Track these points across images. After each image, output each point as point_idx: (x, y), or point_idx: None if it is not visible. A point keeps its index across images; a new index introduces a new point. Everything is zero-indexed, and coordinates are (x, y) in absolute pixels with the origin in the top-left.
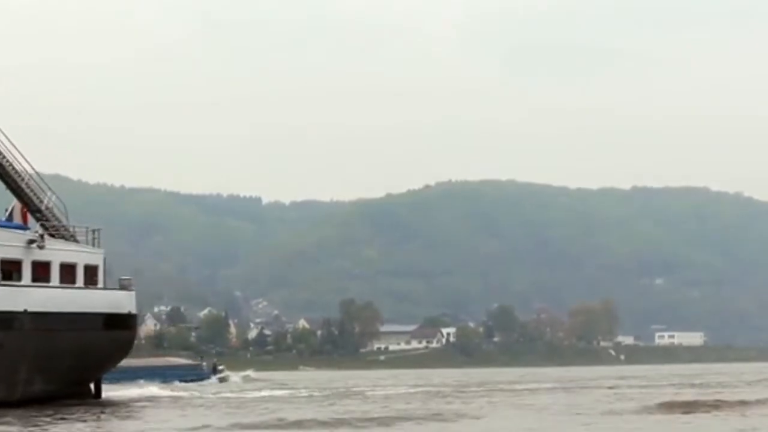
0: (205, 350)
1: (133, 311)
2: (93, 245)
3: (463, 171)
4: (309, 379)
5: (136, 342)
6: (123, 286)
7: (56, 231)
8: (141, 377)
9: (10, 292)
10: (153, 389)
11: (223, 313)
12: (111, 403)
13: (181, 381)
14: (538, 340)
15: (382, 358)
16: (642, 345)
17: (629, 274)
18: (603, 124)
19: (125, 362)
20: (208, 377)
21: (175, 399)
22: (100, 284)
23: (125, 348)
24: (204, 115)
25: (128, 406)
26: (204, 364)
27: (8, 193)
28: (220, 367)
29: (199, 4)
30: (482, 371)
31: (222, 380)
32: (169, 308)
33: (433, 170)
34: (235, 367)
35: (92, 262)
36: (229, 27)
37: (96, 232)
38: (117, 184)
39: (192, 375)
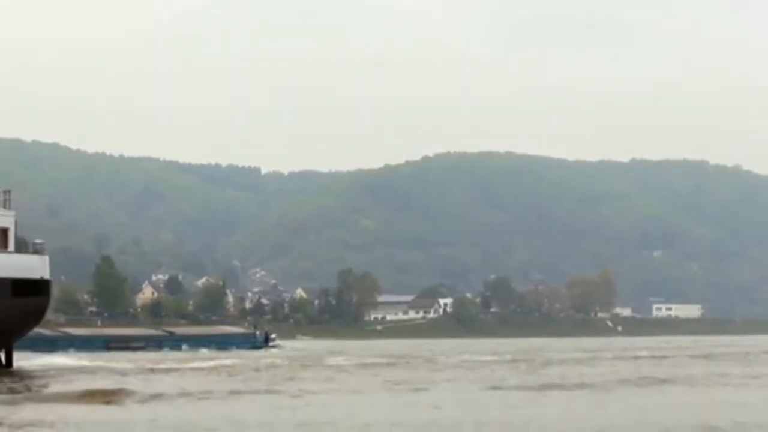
0: (203, 319)
1: (46, 277)
2: (4, 207)
3: (461, 143)
4: (363, 347)
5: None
6: (36, 251)
7: None
8: (202, 345)
9: None
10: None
11: (221, 282)
12: (23, 374)
13: (237, 348)
14: (536, 312)
15: (379, 328)
16: (639, 317)
17: (628, 247)
18: (602, 97)
19: (183, 330)
20: (262, 345)
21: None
22: (11, 248)
23: (37, 315)
24: (203, 85)
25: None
26: (258, 332)
27: None
28: (272, 336)
29: None
30: (504, 341)
31: (274, 348)
32: (167, 277)
33: (432, 142)
34: None
35: (1, 224)
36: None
37: (7, 194)
38: (116, 153)
39: (247, 343)
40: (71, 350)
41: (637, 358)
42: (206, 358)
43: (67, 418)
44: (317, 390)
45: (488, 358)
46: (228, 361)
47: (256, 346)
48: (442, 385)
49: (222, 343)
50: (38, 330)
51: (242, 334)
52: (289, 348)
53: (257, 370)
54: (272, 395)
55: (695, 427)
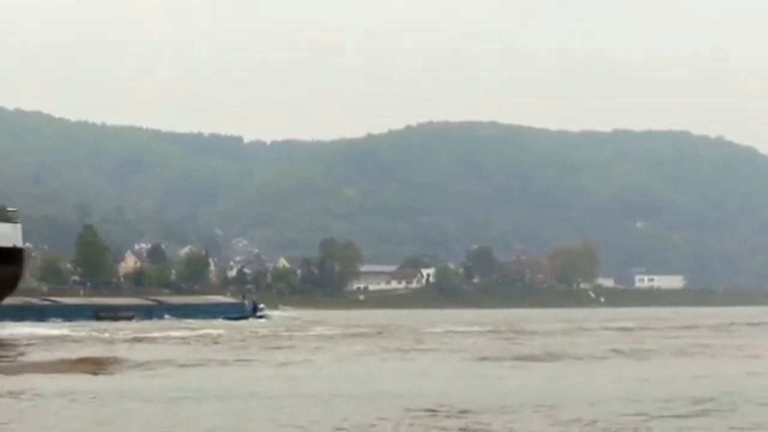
0: (185, 288)
1: (19, 245)
2: None
3: (444, 112)
4: (344, 318)
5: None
6: (7, 218)
7: None
8: (188, 315)
9: None
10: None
11: (204, 252)
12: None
13: (225, 318)
14: (518, 282)
15: (361, 297)
16: (622, 288)
17: (610, 217)
18: (585, 67)
19: (172, 300)
20: (250, 315)
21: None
22: None
23: (10, 284)
24: (186, 53)
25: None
26: (246, 302)
27: None
28: (261, 306)
29: None
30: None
31: (262, 318)
32: (149, 246)
33: (415, 111)
34: None
35: None
36: None
37: None
38: (98, 122)
39: (235, 313)
40: (59, 320)
41: (623, 329)
42: (195, 327)
43: (44, 388)
44: (307, 359)
45: (475, 328)
46: (216, 331)
47: (244, 316)
48: (430, 356)
49: (210, 312)
50: (27, 299)
51: (230, 304)
52: (276, 317)
53: (243, 339)
54: (259, 364)
55: (692, 400)
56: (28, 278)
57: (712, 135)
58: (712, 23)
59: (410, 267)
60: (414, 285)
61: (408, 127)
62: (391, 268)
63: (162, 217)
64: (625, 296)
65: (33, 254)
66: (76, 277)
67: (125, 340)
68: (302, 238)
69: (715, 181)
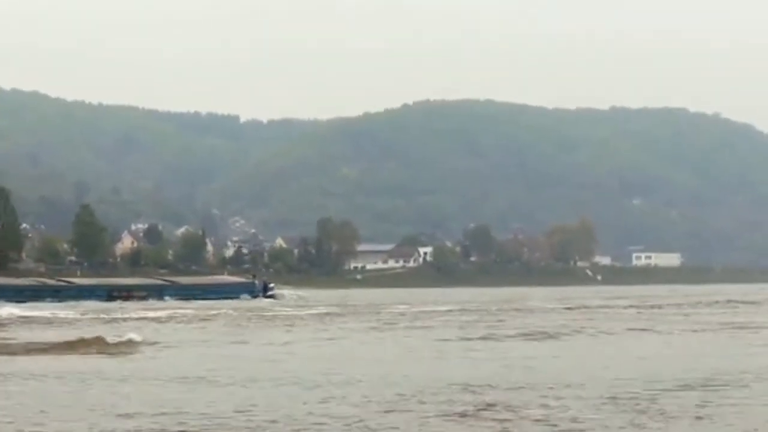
0: (182, 268)
1: None
2: None
3: (441, 91)
4: (343, 296)
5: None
6: None
7: None
8: (200, 295)
9: None
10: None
11: (201, 231)
12: None
13: (237, 298)
14: (515, 261)
15: (359, 277)
16: (619, 266)
17: (607, 195)
18: (581, 44)
19: (185, 280)
20: (259, 294)
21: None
22: None
23: None
24: (182, 32)
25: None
26: (257, 282)
27: None
28: (271, 285)
29: None
30: (475, 290)
31: (272, 297)
32: (146, 226)
33: (411, 90)
34: None
35: None
36: None
37: None
38: (95, 102)
39: (247, 292)
40: (73, 300)
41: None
42: (209, 307)
43: (48, 368)
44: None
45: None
46: (228, 310)
47: (254, 295)
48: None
49: (223, 292)
50: (42, 280)
51: (242, 284)
52: (288, 297)
53: (252, 318)
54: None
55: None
56: (25, 259)
57: (709, 112)
58: (708, 2)
59: (407, 246)
60: (411, 264)
61: (405, 106)
62: (389, 247)
63: (159, 197)
64: (622, 274)
65: (30, 234)
66: (73, 258)
67: (145, 319)
68: (299, 217)
69: (713, 158)
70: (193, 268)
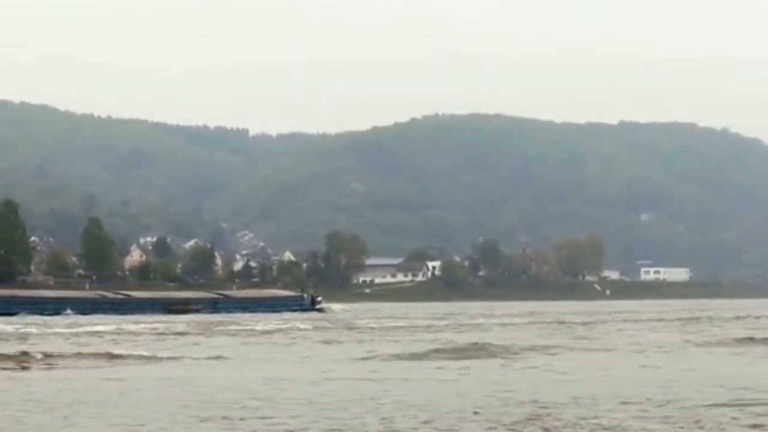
0: (191, 282)
1: None
2: None
3: (450, 105)
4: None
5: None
6: None
7: None
8: (251, 308)
9: None
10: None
11: (209, 245)
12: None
13: (287, 311)
14: (523, 275)
15: (367, 291)
16: (628, 280)
17: (616, 209)
18: (590, 59)
19: (237, 293)
20: (309, 308)
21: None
22: None
23: None
24: (192, 46)
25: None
26: (305, 295)
27: None
28: (319, 299)
29: None
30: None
31: (321, 311)
32: (155, 239)
33: (420, 104)
34: None
35: None
36: None
37: None
38: (104, 115)
39: (296, 306)
40: (134, 314)
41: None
42: (266, 320)
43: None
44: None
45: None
46: (285, 324)
47: (304, 309)
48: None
49: (273, 305)
50: (102, 293)
51: (291, 297)
52: (338, 310)
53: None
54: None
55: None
56: (34, 272)
57: (718, 127)
58: (718, 15)
59: (416, 260)
60: (420, 278)
61: (413, 120)
62: (397, 261)
63: (167, 210)
64: (631, 288)
65: (38, 247)
66: (81, 271)
67: (211, 333)
68: (308, 231)
69: (721, 172)
70: (202, 281)
